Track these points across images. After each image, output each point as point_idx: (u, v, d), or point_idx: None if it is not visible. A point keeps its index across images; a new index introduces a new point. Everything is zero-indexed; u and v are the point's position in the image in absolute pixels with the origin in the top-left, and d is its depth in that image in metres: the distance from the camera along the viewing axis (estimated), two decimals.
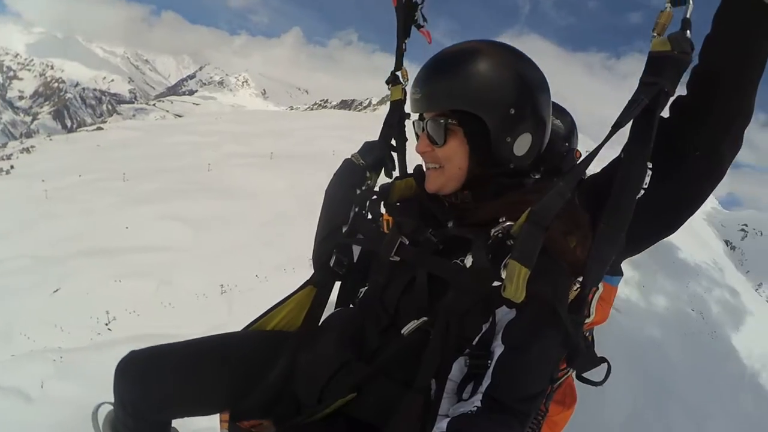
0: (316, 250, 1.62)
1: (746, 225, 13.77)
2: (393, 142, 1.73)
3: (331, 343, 1.36)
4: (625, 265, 1.77)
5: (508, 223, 1.08)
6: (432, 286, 1.19)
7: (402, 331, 1.17)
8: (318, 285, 1.57)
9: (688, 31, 1.07)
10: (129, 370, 1.40)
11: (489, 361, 1.06)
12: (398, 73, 1.77)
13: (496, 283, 1.04)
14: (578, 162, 1.08)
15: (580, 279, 1.08)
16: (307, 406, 1.32)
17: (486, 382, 1.04)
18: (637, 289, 5.16)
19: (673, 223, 1.28)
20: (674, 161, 1.16)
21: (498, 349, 1.06)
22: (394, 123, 1.71)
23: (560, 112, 2.20)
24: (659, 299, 5.28)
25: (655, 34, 1.09)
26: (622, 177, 1.07)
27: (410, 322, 1.19)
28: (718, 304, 5.79)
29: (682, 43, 1.06)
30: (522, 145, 1.21)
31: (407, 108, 1.65)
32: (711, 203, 14.48)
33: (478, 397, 1.03)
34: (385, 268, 1.31)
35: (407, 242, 1.28)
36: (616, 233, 1.05)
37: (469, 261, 1.10)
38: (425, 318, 1.16)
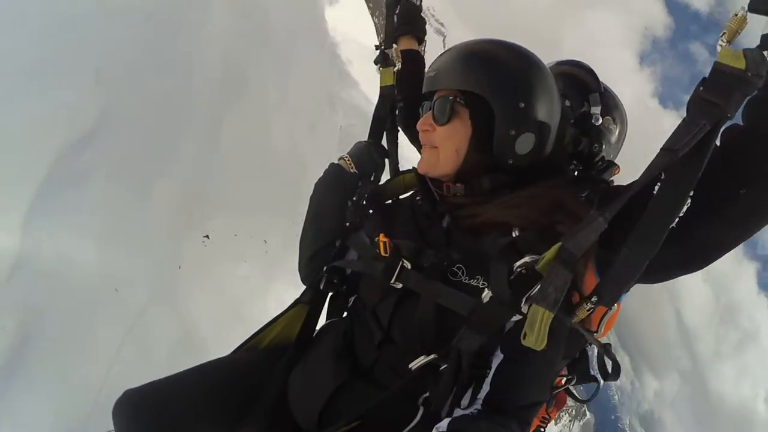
0: (304, 267, 1.51)
1: None
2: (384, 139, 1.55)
3: (324, 363, 1.30)
4: None
5: (532, 257, 1.00)
6: (438, 314, 1.12)
7: (410, 366, 1.12)
8: (310, 304, 1.50)
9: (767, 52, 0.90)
10: (125, 411, 1.31)
11: (487, 370, 1.05)
12: (389, 52, 1.53)
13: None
14: (621, 194, 0.97)
15: (594, 299, 1.01)
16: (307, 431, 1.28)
17: (485, 389, 1.03)
18: None
19: (700, 264, 1.13)
20: (713, 197, 0.99)
21: (496, 358, 1.05)
22: (386, 115, 1.51)
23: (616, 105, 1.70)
24: None
25: (725, 42, 0.93)
26: (659, 202, 0.95)
27: (407, 342, 1.17)
28: None
29: (759, 65, 0.89)
30: (524, 144, 1.17)
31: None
32: None
33: (478, 403, 1.03)
34: (382, 291, 1.22)
35: (410, 266, 1.18)
36: (641, 260, 0.95)
37: (486, 296, 1.03)
38: (435, 355, 1.10)
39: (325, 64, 4.74)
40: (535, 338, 0.92)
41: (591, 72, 1.63)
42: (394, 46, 1.59)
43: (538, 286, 0.95)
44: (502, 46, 1.21)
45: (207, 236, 2.93)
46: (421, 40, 1.70)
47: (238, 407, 1.35)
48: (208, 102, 2.93)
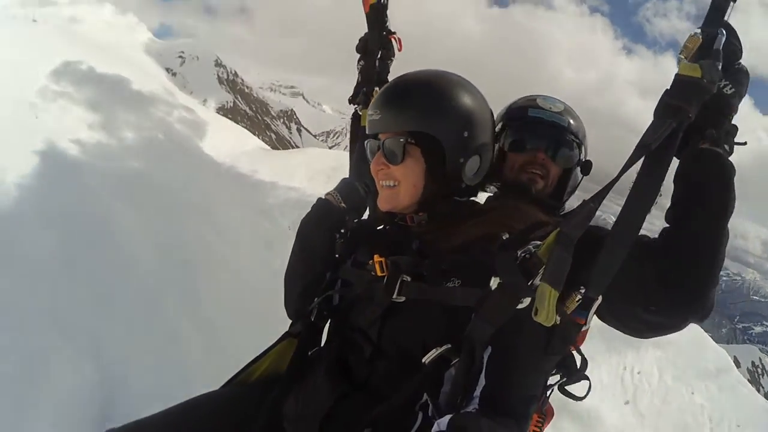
0: (293, 302, 1.52)
1: (183, 52, 15.31)
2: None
3: (319, 382, 1.31)
4: None
5: (533, 244, 1.08)
6: (445, 315, 1.16)
7: (423, 360, 1.13)
8: (300, 337, 1.49)
9: (719, 63, 1.07)
10: None
11: (480, 365, 1.09)
12: (372, 93, 1.63)
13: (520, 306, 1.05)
14: (606, 185, 1.12)
15: (582, 289, 1.06)
16: None
17: (481, 383, 1.08)
18: None
19: (623, 330, 1.24)
20: (624, 301, 1.14)
21: (486, 353, 1.09)
22: (366, 154, 1.47)
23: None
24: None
25: (683, 57, 1.08)
26: (634, 191, 1.06)
27: (400, 353, 1.21)
28: (180, 123, 5.51)
29: (713, 73, 1.05)
30: (472, 166, 1.29)
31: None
32: (146, 35, 14.77)
33: (475, 401, 1.07)
34: (381, 308, 1.25)
35: (409, 279, 1.22)
36: (624, 246, 1.04)
37: (494, 284, 1.08)
38: (449, 345, 1.12)
39: (238, 191, 4.66)
40: (546, 314, 0.99)
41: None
42: (376, 89, 1.69)
43: (543, 268, 1.03)
44: (439, 79, 1.30)
45: None
46: None
47: None
48: (177, 293, 2.81)
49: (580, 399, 1.41)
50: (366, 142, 1.38)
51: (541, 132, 1.68)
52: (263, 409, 1.36)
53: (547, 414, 1.58)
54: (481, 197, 1.52)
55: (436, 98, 1.26)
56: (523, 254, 1.08)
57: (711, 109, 1.11)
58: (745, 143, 1.18)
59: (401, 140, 1.26)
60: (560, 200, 1.72)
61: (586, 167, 1.75)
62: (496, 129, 1.61)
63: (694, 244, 1.09)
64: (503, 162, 1.69)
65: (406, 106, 1.27)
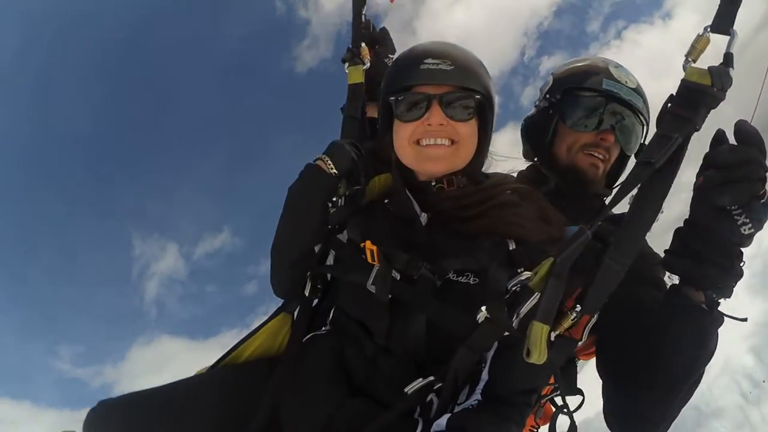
0: (284, 274, 1.39)
1: None
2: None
3: (317, 384, 1.24)
4: None
5: (525, 276, 1.03)
6: (430, 329, 1.14)
7: (405, 390, 1.12)
8: (293, 312, 1.42)
9: (730, 68, 0.95)
10: (98, 423, 1.23)
11: (483, 364, 1.10)
12: (358, 50, 1.58)
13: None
14: (604, 206, 1.05)
15: (578, 308, 1.01)
16: None
17: (483, 379, 1.08)
18: None
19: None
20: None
21: (491, 350, 1.10)
22: (357, 113, 1.45)
23: None
24: None
25: (691, 60, 0.98)
26: (635, 213, 0.99)
27: (406, 354, 1.17)
28: None
29: (724, 81, 0.94)
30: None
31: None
32: None
33: (477, 394, 1.07)
34: (382, 308, 1.18)
35: (398, 277, 1.16)
36: (621, 268, 0.98)
37: (482, 317, 1.05)
38: (432, 378, 1.11)
39: None
40: (538, 354, 0.94)
41: None
42: (363, 44, 1.62)
43: (534, 302, 1.00)
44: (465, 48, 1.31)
45: None
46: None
47: (223, 427, 1.26)
48: None
49: (571, 413, 1.37)
50: (402, 95, 1.24)
51: (615, 111, 1.46)
52: (264, 400, 1.26)
53: (542, 418, 1.52)
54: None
55: (484, 67, 1.31)
56: (514, 288, 1.05)
57: (717, 254, 0.99)
58: (745, 319, 1.11)
59: (478, 96, 1.23)
60: (610, 187, 1.56)
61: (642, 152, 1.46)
62: (556, 95, 1.56)
63: (664, 409, 1.14)
64: (555, 136, 1.54)
65: (474, 67, 1.26)
